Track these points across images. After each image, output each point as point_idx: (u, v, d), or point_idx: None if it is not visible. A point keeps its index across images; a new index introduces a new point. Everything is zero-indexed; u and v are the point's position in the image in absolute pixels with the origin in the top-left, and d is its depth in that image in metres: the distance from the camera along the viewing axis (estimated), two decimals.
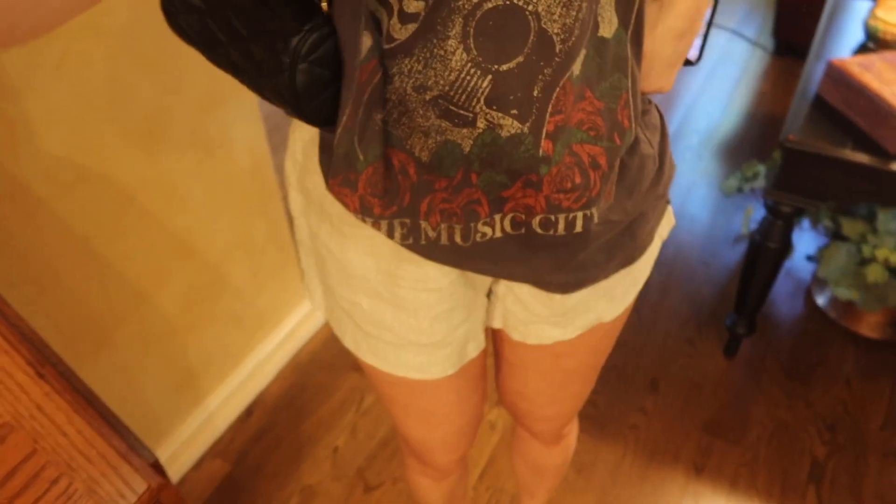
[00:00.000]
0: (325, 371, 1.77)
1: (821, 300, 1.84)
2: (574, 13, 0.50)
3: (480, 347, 0.79)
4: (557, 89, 0.52)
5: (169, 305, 1.38)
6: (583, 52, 0.53)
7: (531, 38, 0.50)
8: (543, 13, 0.49)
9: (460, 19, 0.49)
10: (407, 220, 0.58)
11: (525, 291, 0.73)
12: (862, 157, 1.26)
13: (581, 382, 0.92)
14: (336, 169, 0.57)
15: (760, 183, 1.72)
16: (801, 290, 1.90)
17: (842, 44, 1.59)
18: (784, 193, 1.38)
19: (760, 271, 1.52)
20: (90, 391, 0.77)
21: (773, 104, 2.66)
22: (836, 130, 1.32)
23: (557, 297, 0.71)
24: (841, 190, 1.33)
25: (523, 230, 0.58)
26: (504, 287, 0.75)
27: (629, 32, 0.56)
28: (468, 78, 0.51)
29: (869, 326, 1.73)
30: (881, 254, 1.39)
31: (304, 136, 0.69)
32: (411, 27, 0.50)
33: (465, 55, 0.50)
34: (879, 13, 1.52)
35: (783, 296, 1.90)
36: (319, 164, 0.65)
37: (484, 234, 0.59)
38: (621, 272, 0.73)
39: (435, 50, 0.51)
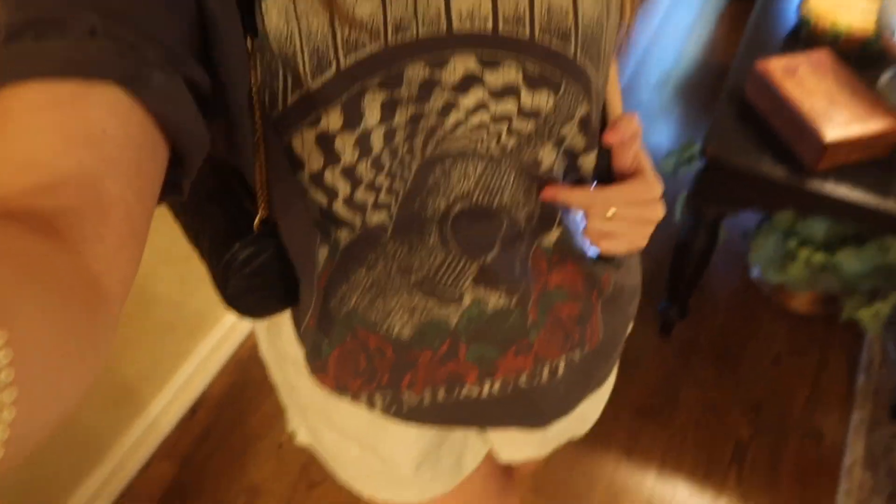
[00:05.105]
0: None
1: (755, 273, 1.86)
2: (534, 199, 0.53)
3: (478, 460, 0.79)
4: (530, 258, 0.55)
5: None
6: (556, 231, 0.56)
7: (504, 226, 0.53)
8: (509, 205, 0.52)
9: (435, 225, 0.52)
10: (388, 392, 0.60)
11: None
12: (780, 173, 1.24)
13: None
14: (308, 357, 0.60)
15: (696, 167, 1.70)
16: (738, 262, 1.92)
17: (778, 25, 1.54)
18: (706, 201, 1.37)
19: (688, 267, 1.53)
20: None
21: (726, 54, 2.58)
22: (758, 139, 1.29)
23: (538, 430, 0.72)
24: (761, 199, 1.32)
25: (509, 390, 0.61)
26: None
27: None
28: (456, 261, 0.54)
29: (799, 303, 1.76)
30: (802, 254, 1.40)
31: None
32: (385, 221, 0.51)
33: (445, 251, 0.53)
34: (813, 1, 1.45)
35: (719, 268, 1.92)
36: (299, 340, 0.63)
37: (468, 396, 0.61)
38: (594, 394, 0.74)
39: (418, 243, 0.53)
